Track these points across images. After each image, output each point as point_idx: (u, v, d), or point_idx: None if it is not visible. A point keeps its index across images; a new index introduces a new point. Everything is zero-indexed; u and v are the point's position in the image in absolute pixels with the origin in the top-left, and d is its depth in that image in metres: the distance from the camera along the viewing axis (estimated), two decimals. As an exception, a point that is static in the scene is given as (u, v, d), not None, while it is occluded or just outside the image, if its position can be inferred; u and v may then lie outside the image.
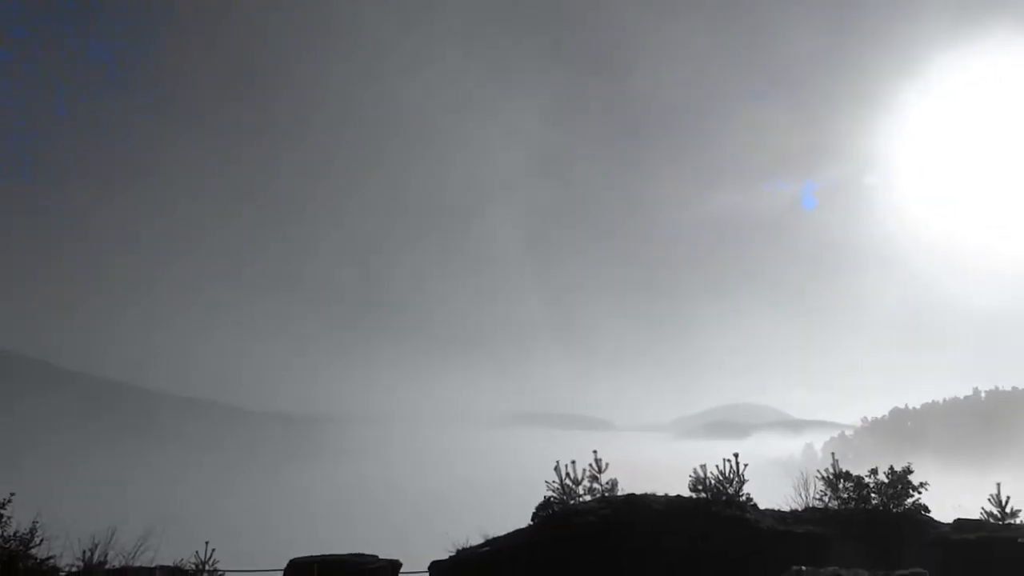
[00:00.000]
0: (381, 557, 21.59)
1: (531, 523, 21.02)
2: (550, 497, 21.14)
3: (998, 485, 20.52)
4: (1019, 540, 18.46)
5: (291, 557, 21.31)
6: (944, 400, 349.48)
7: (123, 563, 19.84)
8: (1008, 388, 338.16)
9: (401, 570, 21.66)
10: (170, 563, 20.94)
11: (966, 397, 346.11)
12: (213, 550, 22.30)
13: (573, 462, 21.23)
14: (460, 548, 20.99)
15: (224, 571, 21.74)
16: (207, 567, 21.63)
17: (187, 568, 21.29)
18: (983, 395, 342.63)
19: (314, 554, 21.36)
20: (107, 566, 19.67)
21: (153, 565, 19.98)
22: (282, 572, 20.97)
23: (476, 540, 21.25)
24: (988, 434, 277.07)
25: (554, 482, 21.19)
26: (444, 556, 21.04)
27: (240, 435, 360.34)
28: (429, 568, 20.94)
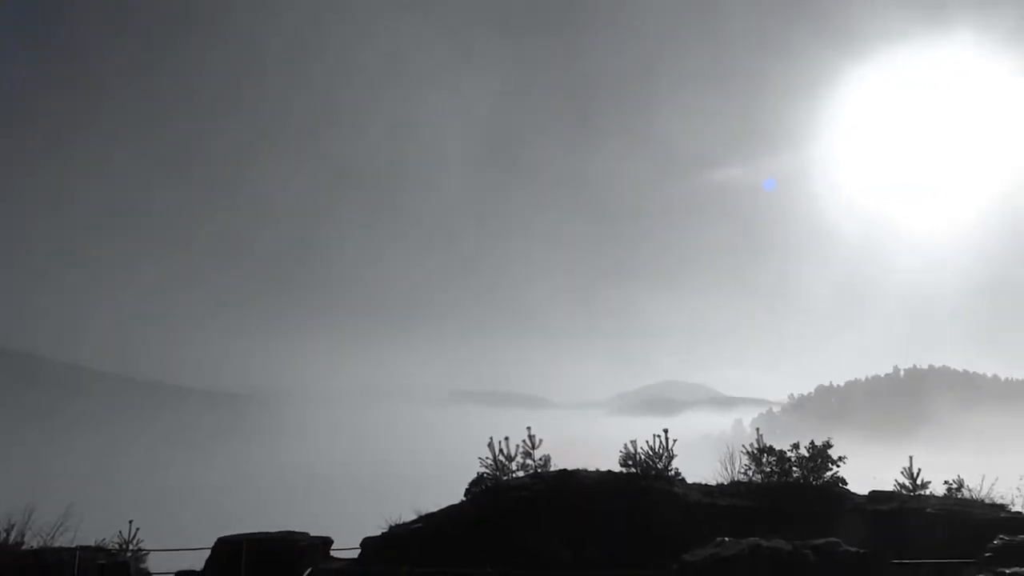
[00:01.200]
0: (312, 535, 21.44)
1: (464, 499, 21.15)
2: (483, 473, 21.30)
3: (910, 458, 21.50)
4: (928, 510, 19.40)
5: (220, 535, 20.99)
6: (866, 378, 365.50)
7: (41, 543, 19.22)
8: (925, 366, 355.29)
9: (332, 547, 21.56)
10: (91, 543, 20.39)
11: (886, 375, 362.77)
12: (137, 529, 21.81)
13: (507, 438, 21.41)
14: (393, 524, 20.98)
15: (149, 550, 21.30)
16: (131, 546, 21.14)
17: (110, 548, 20.76)
18: (902, 373, 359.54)
19: (244, 532, 21.09)
20: (24, 547, 19.02)
21: (73, 545, 19.42)
22: (210, 551, 20.62)
23: (409, 516, 21.27)
24: (904, 409, 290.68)
25: (487, 458, 21.35)
26: (376, 533, 21.01)
27: (174, 413, 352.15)
28: (361, 545, 20.88)
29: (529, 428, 21.67)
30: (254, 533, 20.97)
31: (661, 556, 15.82)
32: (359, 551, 20.90)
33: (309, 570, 19.36)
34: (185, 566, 20.77)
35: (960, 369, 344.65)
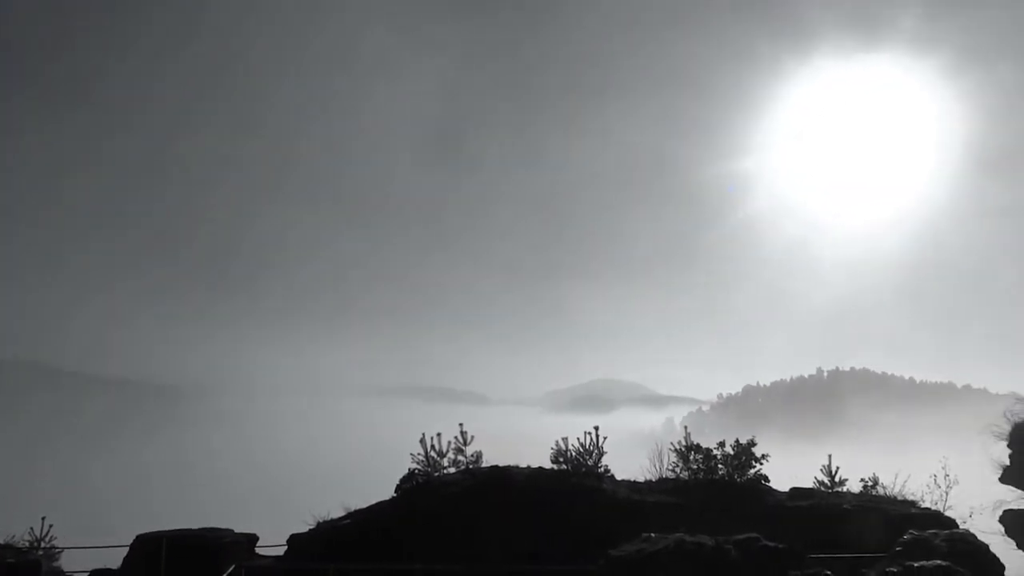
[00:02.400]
0: (237, 531, 20.98)
1: (394, 495, 21.00)
2: (414, 469, 21.19)
3: (829, 456, 22.30)
4: (844, 506, 20.17)
5: (139, 532, 20.32)
6: (791, 379, 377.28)
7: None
8: (846, 368, 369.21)
9: (258, 544, 21.13)
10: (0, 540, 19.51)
11: (810, 376, 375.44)
12: (51, 526, 20.94)
13: (439, 434, 21.35)
14: (321, 521, 20.69)
15: (62, 548, 20.48)
16: (42, 544, 20.30)
17: (19, 545, 19.89)
18: (825, 374, 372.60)
19: (164, 529, 20.48)
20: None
21: (-22, 543, 18.53)
22: (127, 548, 19.94)
23: (338, 513, 21.02)
24: (825, 410, 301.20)
25: (419, 454, 21.25)
26: (304, 530, 20.69)
27: (93, 405, 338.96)
28: (288, 542, 20.52)
29: (461, 424, 21.66)
30: (175, 530, 20.40)
31: (590, 552, 15.99)
32: (286, 548, 20.54)
33: (232, 568, 18.93)
34: (101, 564, 20.06)
35: (879, 371, 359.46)
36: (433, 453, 21.19)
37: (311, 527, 20.63)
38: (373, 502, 21.08)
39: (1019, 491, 28.34)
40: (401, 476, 21.38)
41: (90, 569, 19.99)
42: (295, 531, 20.63)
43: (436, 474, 21.14)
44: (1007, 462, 28.31)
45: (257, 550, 21.07)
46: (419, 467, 21.18)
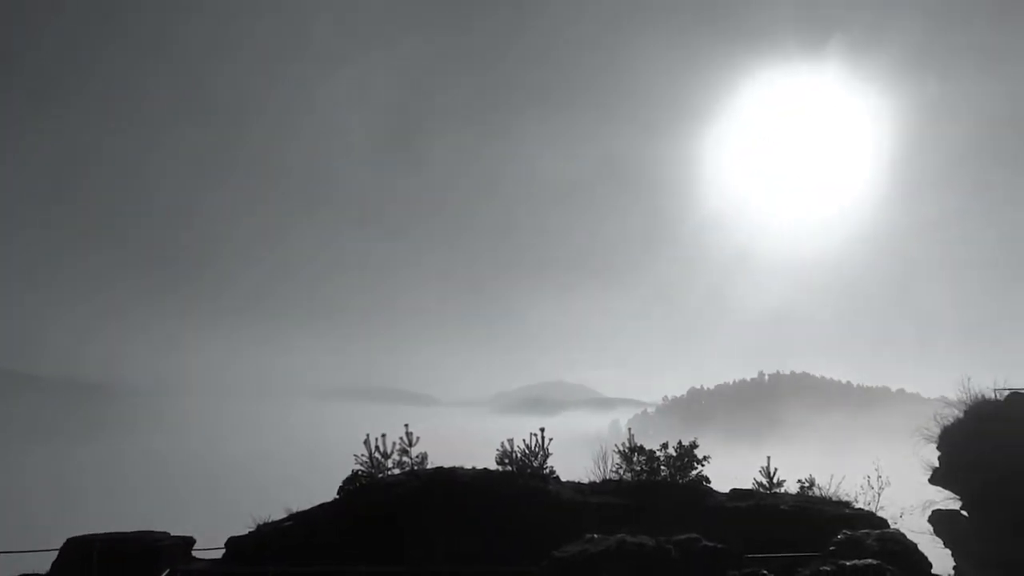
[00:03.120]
0: (173, 534, 20.44)
1: (337, 497, 20.74)
2: (358, 471, 20.97)
3: (768, 458, 22.81)
4: (782, 507, 20.64)
5: (70, 535, 19.64)
6: (734, 381, 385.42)
7: None
8: (787, 372, 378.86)
9: (194, 547, 20.61)
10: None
11: (752, 379, 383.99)
12: (-25, 530, 20.06)
13: (383, 435, 21.16)
14: (261, 523, 20.30)
15: (-14, 552, 19.66)
16: (-35, 548, 19.44)
17: (-60, 551, 19.02)
18: (767, 378, 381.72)
19: (97, 532, 19.83)
20: None
21: None
22: (58, 552, 19.25)
23: (279, 515, 20.65)
24: (766, 412, 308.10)
25: (363, 456, 21.03)
26: (243, 532, 20.26)
27: (26, 404, 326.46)
28: (226, 545, 20.07)
29: (407, 425, 21.51)
30: (108, 533, 19.77)
31: (534, 553, 16.04)
32: (224, 551, 20.09)
33: (167, 571, 18.45)
34: (29, 569, 19.30)
35: (817, 375, 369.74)
36: (377, 454, 21.00)
37: (251, 529, 20.22)
38: (316, 504, 20.80)
39: (947, 492, 29.47)
40: (344, 478, 21.12)
41: (18, 574, 19.23)
42: (234, 534, 20.18)
43: (380, 475, 20.95)
44: (936, 464, 29.43)
45: (194, 553, 20.55)
46: (363, 468, 20.97)
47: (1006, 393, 29.74)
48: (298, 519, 20.29)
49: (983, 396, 29.14)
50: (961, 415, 28.87)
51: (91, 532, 19.71)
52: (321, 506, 20.62)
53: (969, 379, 29.16)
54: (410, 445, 21.28)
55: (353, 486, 20.85)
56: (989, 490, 27.11)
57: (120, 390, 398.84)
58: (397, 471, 21.16)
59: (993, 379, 29.94)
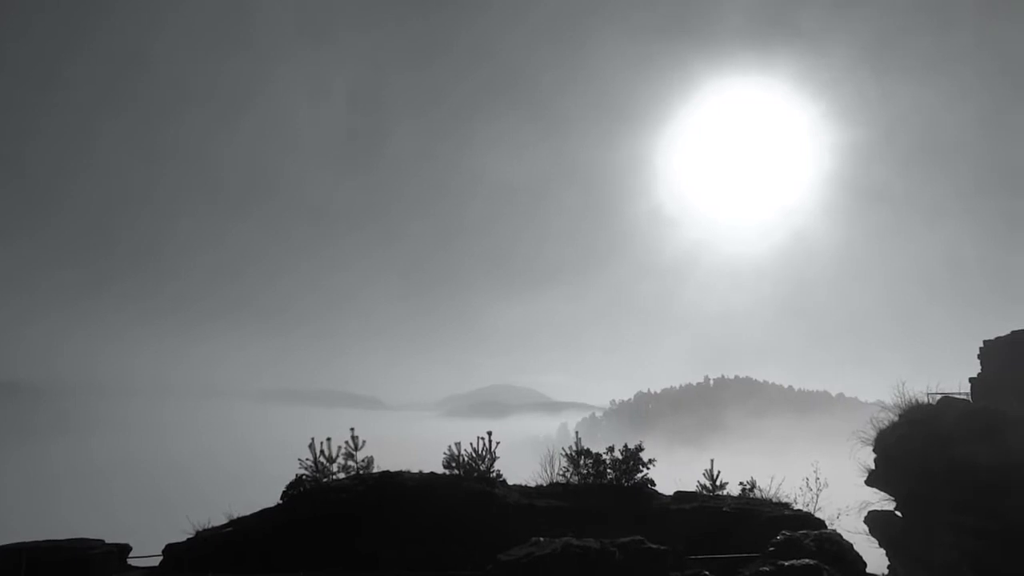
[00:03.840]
0: (108, 541, 19.79)
1: (280, 502, 20.36)
2: (302, 475, 20.61)
3: (711, 461, 23.21)
4: (724, 509, 20.99)
5: (-2, 544, 18.83)
6: (680, 386, 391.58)
7: None
8: (731, 376, 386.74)
9: (131, 555, 19.98)
10: None
11: (698, 384, 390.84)
12: None
13: (329, 439, 20.86)
14: (200, 529, 19.79)
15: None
16: None
17: None
18: (711, 382, 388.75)
19: (25, 540, 19.06)
20: None
21: None
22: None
23: (220, 521, 20.17)
24: (710, 416, 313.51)
25: (307, 460, 20.69)
26: (182, 539, 19.72)
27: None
28: (164, 552, 19.51)
29: (353, 429, 21.24)
30: (38, 541, 19.01)
31: (481, 556, 16.00)
32: (161, 558, 19.51)
33: (101, 580, 17.81)
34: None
35: (760, 379, 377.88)
36: (322, 459, 20.67)
37: (190, 536, 19.69)
38: (258, 509, 20.36)
39: (882, 493, 30.36)
40: (288, 482, 20.73)
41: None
42: (172, 540, 19.63)
43: (325, 480, 20.63)
44: (872, 466, 30.30)
45: (129, 561, 19.92)
46: (307, 473, 20.61)
47: (938, 397, 30.81)
48: (239, 525, 19.85)
49: (917, 400, 30.11)
50: (896, 419, 29.78)
51: (19, 540, 18.94)
52: (263, 511, 20.20)
53: (903, 384, 30.11)
54: (356, 449, 21.02)
55: (297, 491, 20.48)
56: (921, 491, 28.01)
57: (51, 390, 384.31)
58: (342, 475, 20.87)
59: (926, 383, 30.99)
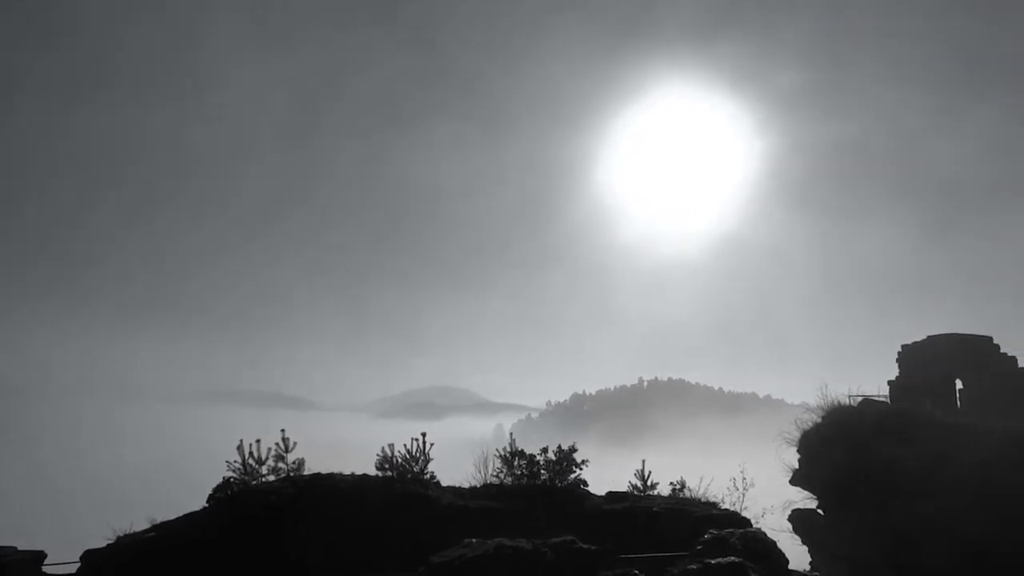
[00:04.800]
0: (21, 548, 18.94)
1: (206, 505, 19.81)
2: (230, 478, 20.09)
3: (643, 461, 23.58)
4: (655, 508, 21.35)
5: None
6: (615, 387, 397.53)
7: None
8: (665, 379, 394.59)
9: (46, 562, 19.15)
10: None
11: (632, 385, 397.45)
12: None
13: (258, 441, 20.38)
14: (121, 535, 19.10)
15: None
16: None
17: None
18: (645, 384, 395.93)
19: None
20: None
21: None
22: None
23: (142, 526, 19.48)
24: (644, 417, 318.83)
25: (236, 462, 20.17)
26: (101, 545, 18.99)
27: None
28: (82, 559, 18.75)
29: (283, 431, 20.81)
30: (-56, 549, 18.06)
31: (413, 559, 15.89)
32: (79, 565, 18.76)
33: (12, 589, 17.03)
34: None
35: (693, 382, 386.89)
36: (251, 460, 20.18)
37: (110, 542, 18.98)
38: (183, 513, 19.77)
39: (805, 492, 31.43)
40: (215, 485, 20.18)
41: None
42: (91, 547, 18.89)
43: (254, 482, 20.15)
44: (796, 466, 31.34)
45: (45, 568, 19.10)
46: (235, 475, 20.09)
47: (859, 399, 32.10)
48: (163, 530, 19.22)
49: (839, 402, 31.30)
50: (819, 420, 30.88)
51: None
52: (189, 515, 19.61)
53: (826, 386, 31.25)
54: (286, 451, 20.59)
55: (224, 494, 19.94)
56: (841, 490, 29.11)
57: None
58: (272, 478, 20.43)
59: (848, 386, 32.25)
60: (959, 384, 34.45)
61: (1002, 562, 23.85)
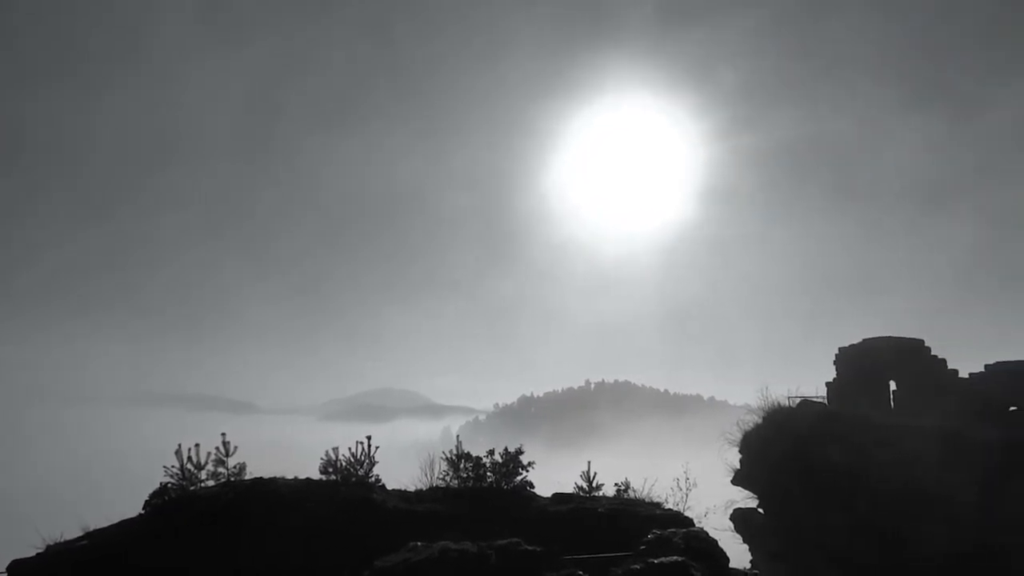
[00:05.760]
0: (-59, 559, 18.10)
1: (142, 512, 19.25)
2: (167, 483, 19.56)
3: (588, 463, 23.77)
4: (599, 509, 21.54)
5: None
6: (562, 389, 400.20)
7: None
8: (611, 381, 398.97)
9: (-32, 573, 18.34)
10: None
11: (579, 387, 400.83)
12: None
13: (197, 445, 19.89)
14: (51, 543, 18.39)
15: None
16: None
17: None
18: (592, 386, 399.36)
19: None
20: None
21: None
22: None
23: (74, 533, 18.80)
24: (591, 419, 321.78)
25: (174, 467, 19.66)
26: (30, 554, 18.27)
27: None
28: (8, 569, 18.02)
29: (224, 434, 20.36)
30: None
31: (358, 564, 15.71)
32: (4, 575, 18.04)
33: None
34: None
35: (639, 384, 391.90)
36: (190, 465, 19.68)
37: (39, 551, 18.25)
38: (117, 520, 19.16)
39: (747, 492, 32.12)
40: (152, 491, 19.62)
41: None
42: (18, 556, 18.16)
43: (192, 488, 19.66)
44: (738, 466, 32.00)
45: (-33, 580, 18.29)
46: (173, 481, 19.57)
47: (798, 400, 32.92)
48: (96, 538, 18.58)
49: (779, 403, 32.05)
50: (760, 421, 31.60)
51: None
52: (123, 522, 19.01)
53: (767, 388, 31.97)
54: (227, 455, 20.14)
55: (161, 500, 19.41)
56: (779, 490, 29.85)
57: None
58: (211, 483, 19.96)
59: (788, 388, 33.04)
60: (892, 385, 35.57)
61: (925, 555, 24.81)
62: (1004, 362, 33.65)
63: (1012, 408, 32.70)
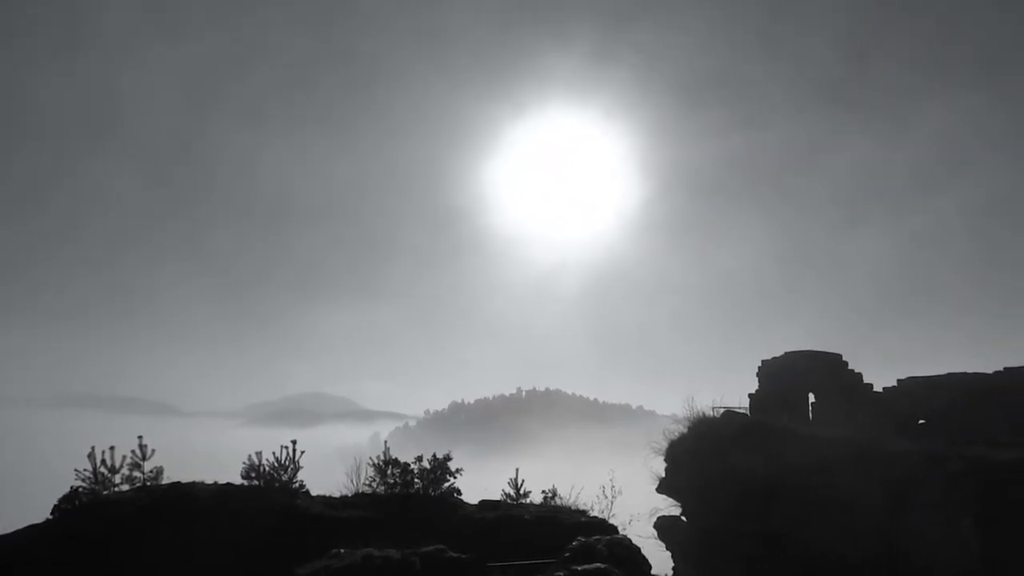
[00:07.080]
0: None
1: (50, 517, 18.40)
2: (78, 487, 18.75)
3: (516, 470, 23.86)
4: (526, 516, 21.62)
5: None
6: (494, 396, 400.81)
7: None
8: (543, 388, 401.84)
9: None
10: None
11: (511, 395, 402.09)
12: None
13: (112, 448, 19.15)
14: (-50, 551, 17.42)
15: None
16: None
17: None
18: (524, 393, 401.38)
19: None
20: None
21: None
22: None
23: (-25, 540, 17.86)
24: (521, 426, 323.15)
25: (86, 470, 18.86)
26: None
27: None
28: (-101, 578, 16.97)
29: (140, 437, 19.67)
30: None
31: (280, 570, 15.38)
32: None
33: None
34: None
35: (569, 392, 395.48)
36: (103, 469, 18.92)
37: (-64, 559, 17.28)
38: (23, 525, 18.28)
39: (671, 500, 32.70)
40: (61, 496, 18.78)
41: None
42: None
43: (105, 492, 18.89)
44: (662, 474, 32.57)
45: None
46: (84, 485, 18.77)
47: (722, 411, 33.74)
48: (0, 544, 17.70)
49: (703, 413, 32.77)
50: (684, 430, 32.24)
51: None
52: (29, 528, 18.16)
53: (693, 398, 32.65)
54: (144, 459, 19.45)
55: (71, 505, 18.59)
56: (702, 498, 30.50)
57: None
58: (126, 487, 19.23)
59: (713, 398, 33.83)
60: (812, 397, 36.81)
61: (836, 560, 25.77)
62: (915, 377, 35.37)
63: (921, 421, 34.31)
